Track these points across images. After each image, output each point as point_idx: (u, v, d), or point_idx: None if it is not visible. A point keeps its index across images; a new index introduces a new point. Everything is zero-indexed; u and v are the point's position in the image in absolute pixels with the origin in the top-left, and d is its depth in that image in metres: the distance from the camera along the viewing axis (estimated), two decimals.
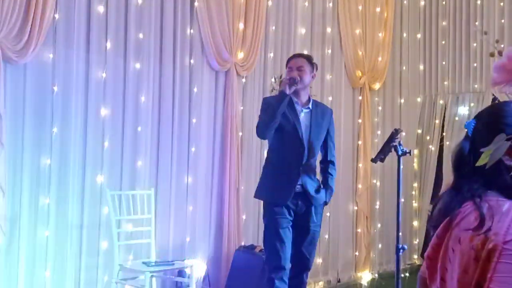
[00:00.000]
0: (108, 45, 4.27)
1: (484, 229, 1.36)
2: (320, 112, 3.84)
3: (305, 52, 5.53)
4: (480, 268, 1.33)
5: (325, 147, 3.89)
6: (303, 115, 3.77)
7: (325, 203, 3.87)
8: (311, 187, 3.73)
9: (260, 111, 3.82)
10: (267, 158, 3.91)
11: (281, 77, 5.28)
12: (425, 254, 1.53)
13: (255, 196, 3.94)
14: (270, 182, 3.78)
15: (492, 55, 1.35)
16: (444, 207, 1.51)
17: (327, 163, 3.92)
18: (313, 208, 3.75)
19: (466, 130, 1.52)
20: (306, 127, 3.75)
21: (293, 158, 3.70)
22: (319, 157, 3.93)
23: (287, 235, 3.68)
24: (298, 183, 3.70)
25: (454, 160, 1.53)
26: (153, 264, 4.00)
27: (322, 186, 3.83)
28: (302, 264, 3.78)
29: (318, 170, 3.96)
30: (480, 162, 1.28)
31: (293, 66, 3.78)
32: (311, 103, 3.83)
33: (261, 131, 3.68)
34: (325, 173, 3.90)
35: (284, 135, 3.69)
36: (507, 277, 1.31)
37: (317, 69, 3.92)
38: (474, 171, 1.46)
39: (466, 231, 1.40)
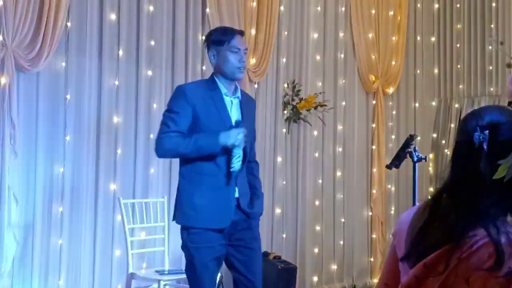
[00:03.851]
0: (120, 52, 4.27)
1: (503, 271, 1.09)
2: (246, 101, 3.06)
3: (318, 58, 5.51)
4: None
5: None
6: (233, 108, 2.95)
7: (261, 214, 3.13)
8: (245, 198, 2.95)
9: (170, 106, 2.93)
10: (187, 170, 2.92)
11: (294, 82, 5.26)
12: (403, 284, 1.23)
13: (179, 222, 2.97)
14: (200, 200, 2.85)
15: (509, 66, 1.20)
16: (445, 229, 1.19)
17: (251, 162, 3.08)
18: (251, 223, 2.98)
19: (475, 142, 1.24)
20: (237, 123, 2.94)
21: (225, 165, 2.84)
22: None
23: (216, 268, 2.94)
24: (236, 195, 2.90)
25: (466, 180, 1.23)
26: (166, 272, 3.97)
27: (252, 195, 3.04)
28: None
29: None
30: (497, 176, 1.11)
31: (241, 47, 2.93)
32: (238, 90, 3.01)
33: (165, 156, 3.05)
34: (252, 176, 3.07)
35: None
36: None
37: None
38: (492, 191, 1.19)
39: (477, 271, 1.11)
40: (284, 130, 5.24)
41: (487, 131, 1.23)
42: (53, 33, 3.85)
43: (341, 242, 5.68)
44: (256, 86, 5.02)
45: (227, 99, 2.95)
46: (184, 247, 2.93)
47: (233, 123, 2.91)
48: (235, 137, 2.77)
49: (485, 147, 1.22)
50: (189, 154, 2.83)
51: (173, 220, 3.06)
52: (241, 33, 3.04)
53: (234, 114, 2.95)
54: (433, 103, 6.57)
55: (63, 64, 4.04)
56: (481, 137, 1.22)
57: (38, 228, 3.90)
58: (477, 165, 1.21)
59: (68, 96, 4.05)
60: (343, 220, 5.70)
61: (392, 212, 6.21)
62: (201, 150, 2.81)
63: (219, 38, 2.96)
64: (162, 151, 2.92)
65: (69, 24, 4.03)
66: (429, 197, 1.32)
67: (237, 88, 3.02)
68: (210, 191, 2.86)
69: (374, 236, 5.95)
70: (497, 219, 1.16)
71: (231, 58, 2.90)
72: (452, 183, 1.27)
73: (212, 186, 2.86)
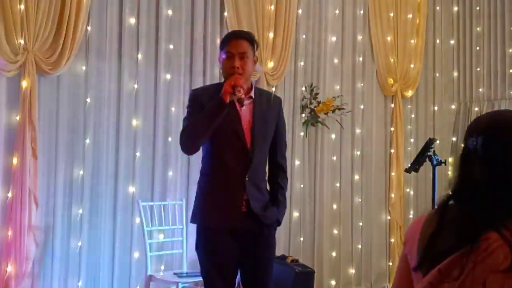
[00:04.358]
0: (140, 56, 4.31)
1: None
2: (266, 102, 2.99)
3: (336, 61, 5.50)
4: None
5: (273, 146, 3.01)
6: (244, 108, 2.90)
7: (278, 223, 2.98)
8: (257, 202, 2.87)
9: (187, 112, 2.93)
10: (201, 170, 2.98)
11: (311, 86, 5.25)
12: None
13: (191, 221, 2.99)
14: (206, 200, 2.87)
15: None
16: (455, 235, 1.21)
17: (275, 168, 3.05)
18: (263, 230, 2.89)
19: (470, 148, 1.27)
20: (248, 123, 2.89)
21: (234, 166, 2.83)
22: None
23: (231, 271, 2.87)
24: (244, 198, 2.83)
25: (468, 188, 1.25)
26: (185, 275, 3.99)
27: (271, 202, 2.96)
28: None
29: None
30: None
31: (234, 51, 2.86)
32: (253, 91, 2.95)
33: (189, 145, 2.84)
34: (274, 183, 3.03)
35: (220, 136, 2.81)
36: None
37: (258, 48, 3.01)
38: (492, 196, 1.20)
39: (493, 273, 1.13)
40: (302, 134, 5.24)
41: (482, 136, 1.25)
42: (73, 37, 3.89)
43: (359, 246, 5.66)
44: (273, 89, 5.01)
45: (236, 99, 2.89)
46: (197, 249, 2.91)
47: (242, 122, 2.88)
48: (228, 83, 2.76)
49: (479, 151, 1.24)
50: (200, 125, 2.78)
51: None
52: (239, 36, 2.97)
53: (245, 115, 2.90)
54: (453, 107, 6.51)
55: (83, 67, 4.09)
56: (474, 142, 1.25)
57: (58, 230, 3.95)
58: (473, 169, 1.23)
59: (88, 100, 4.09)
60: (361, 224, 5.68)
61: (411, 216, 6.17)
62: (208, 113, 2.77)
63: (220, 43, 3.01)
64: (183, 139, 2.85)
65: (89, 28, 4.08)
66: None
67: (252, 88, 2.96)
68: (218, 192, 2.85)
69: (392, 240, 5.91)
70: (507, 220, 1.16)
71: (225, 63, 2.89)
72: (456, 189, 1.28)
73: (220, 187, 2.85)
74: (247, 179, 2.84)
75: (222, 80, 2.98)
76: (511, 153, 1.21)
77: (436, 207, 1.31)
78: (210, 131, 2.76)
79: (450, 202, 1.29)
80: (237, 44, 2.87)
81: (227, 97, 2.73)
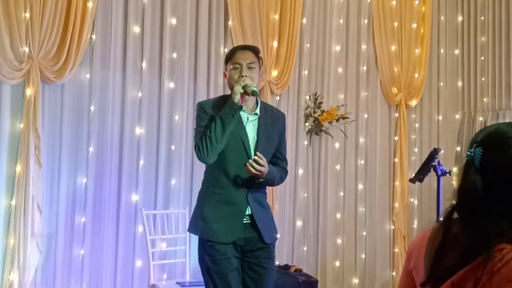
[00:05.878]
0: (144, 65, 4.32)
1: None
2: (270, 118, 2.99)
3: (340, 70, 5.50)
4: None
5: (275, 153, 3.03)
6: (249, 124, 2.93)
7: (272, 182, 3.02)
8: (260, 218, 2.90)
9: (197, 124, 2.94)
10: (204, 181, 3.00)
11: (315, 95, 5.25)
12: None
13: (188, 229, 3.03)
14: (209, 212, 2.87)
15: None
16: (460, 251, 1.21)
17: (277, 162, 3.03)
18: (265, 241, 2.92)
19: (468, 159, 1.29)
20: (252, 140, 2.92)
21: (239, 180, 2.86)
22: None
23: (236, 280, 2.85)
24: (247, 213, 2.87)
25: (466, 198, 1.26)
26: (187, 284, 3.97)
27: None
28: None
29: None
30: None
31: (241, 62, 2.89)
32: (259, 107, 2.95)
33: (206, 154, 2.79)
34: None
35: (227, 151, 2.84)
36: None
37: (262, 63, 3.07)
38: (493, 207, 1.21)
39: (510, 282, 1.13)
40: (306, 142, 5.23)
41: (480, 148, 1.27)
42: (78, 45, 3.91)
43: (363, 256, 5.63)
44: (277, 98, 5.02)
45: (242, 115, 2.90)
46: (201, 260, 2.90)
47: (249, 138, 2.90)
48: (237, 86, 2.79)
49: (476, 163, 1.26)
50: (216, 132, 2.78)
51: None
52: (246, 48, 3.01)
53: (250, 131, 2.92)
54: (457, 116, 6.50)
55: (88, 76, 4.10)
56: (472, 154, 1.27)
57: (61, 238, 3.94)
58: (471, 180, 1.25)
59: (92, 108, 4.10)
60: (364, 233, 5.65)
61: (415, 226, 6.14)
62: (222, 118, 2.78)
63: (226, 57, 3.04)
64: (201, 147, 2.82)
65: (93, 36, 4.09)
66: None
67: (258, 104, 2.95)
68: (220, 205, 2.87)
69: (396, 250, 5.88)
70: None
71: (232, 74, 2.91)
72: (458, 201, 1.29)
73: (222, 200, 2.87)
74: (250, 194, 2.87)
75: (226, 88, 2.97)
76: (504, 165, 1.23)
77: (440, 220, 1.31)
78: (226, 136, 2.78)
79: (454, 215, 1.29)
80: (244, 55, 2.93)
81: (238, 98, 2.77)
